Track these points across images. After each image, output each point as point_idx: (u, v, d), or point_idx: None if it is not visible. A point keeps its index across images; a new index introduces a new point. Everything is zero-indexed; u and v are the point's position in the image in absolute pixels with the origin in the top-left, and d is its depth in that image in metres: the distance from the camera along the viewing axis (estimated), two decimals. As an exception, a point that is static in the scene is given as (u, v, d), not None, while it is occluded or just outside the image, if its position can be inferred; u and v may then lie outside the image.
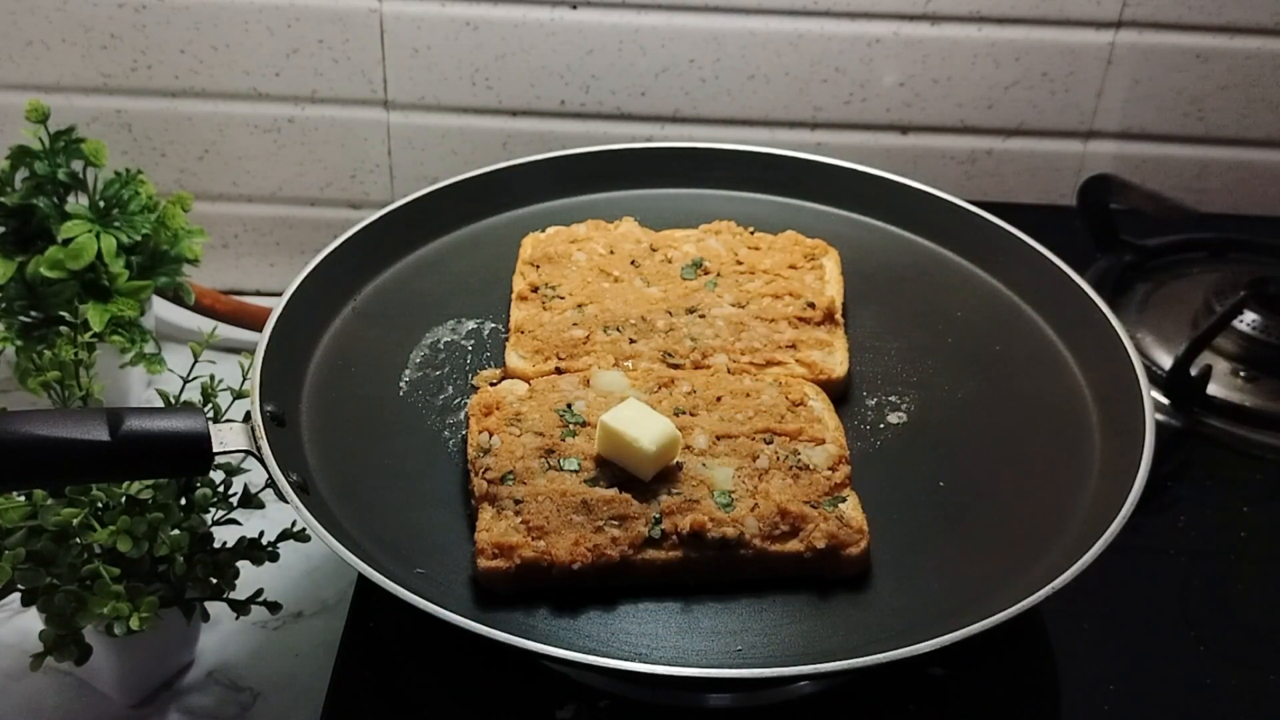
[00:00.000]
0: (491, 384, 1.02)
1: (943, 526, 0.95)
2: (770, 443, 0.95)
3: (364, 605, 1.00)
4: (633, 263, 1.14)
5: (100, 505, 0.95)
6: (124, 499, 0.96)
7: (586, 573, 0.87)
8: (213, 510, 1.02)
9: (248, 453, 0.89)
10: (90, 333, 1.13)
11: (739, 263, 1.14)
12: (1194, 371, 1.21)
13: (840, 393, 1.04)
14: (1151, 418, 0.97)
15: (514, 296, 1.11)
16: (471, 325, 1.11)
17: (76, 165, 1.22)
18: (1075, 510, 0.95)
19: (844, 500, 0.92)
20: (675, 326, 1.07)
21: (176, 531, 0.97)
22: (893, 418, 1.04)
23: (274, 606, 1.02)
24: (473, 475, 0.92)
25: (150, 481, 0.96)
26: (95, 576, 0.93)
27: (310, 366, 1.05)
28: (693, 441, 0.95)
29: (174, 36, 1.34)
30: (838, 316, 1.09)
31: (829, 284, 1.12)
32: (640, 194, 1.26)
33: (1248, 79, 1.40)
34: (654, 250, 1.15)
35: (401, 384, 1.05)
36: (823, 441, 0.96)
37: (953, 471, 0.99)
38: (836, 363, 1.05)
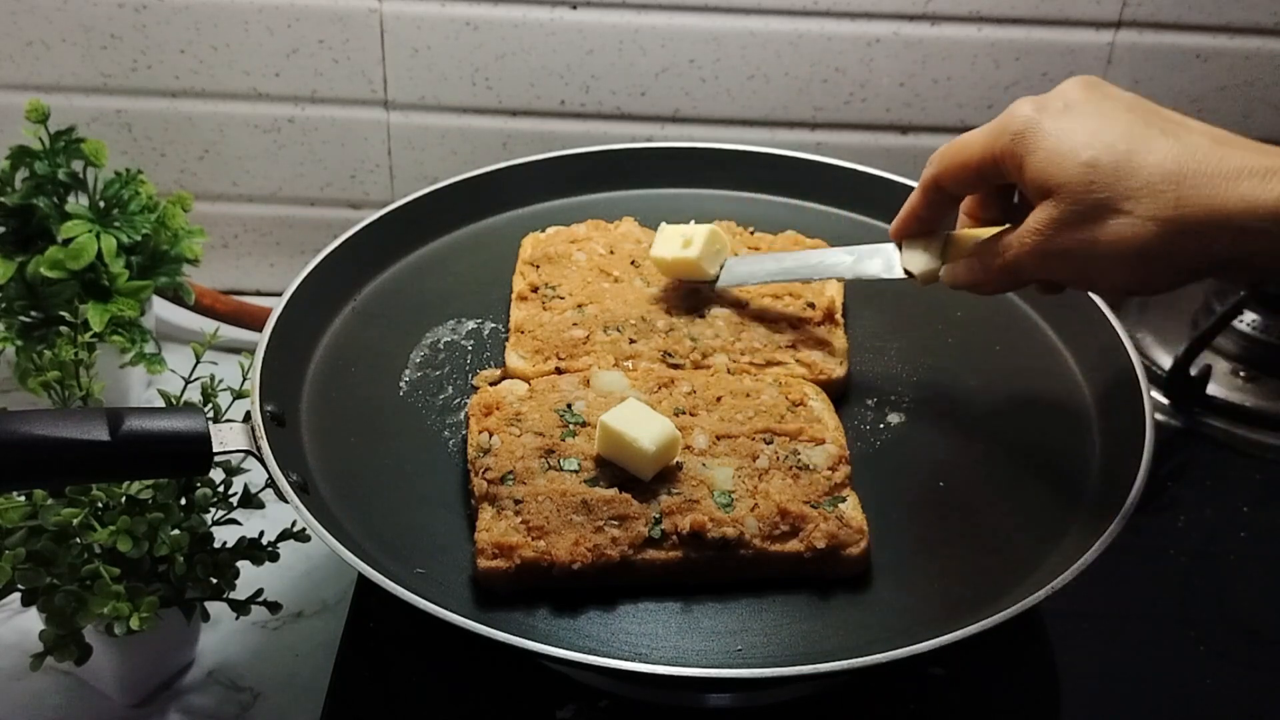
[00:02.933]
0: (491, 384, 1.02)
1: (943, 526, 0.95)
2: (770, 443, 0.95)
3: (364, 605, 1.00)
4: (633, 263, 1.14)
5: (100, 505, 0.95)
6: (124, 499, 0.96)
7: (586, 573, 0.87)
8: (213, 510, 1.02)
9: (248, 453, 0.89)
10: (90, 333, 1.13)
11: (739, 263, 1.14)
12: (1194, 371, 1.21)
13: (840, 393, 1.04)
14: (1151, 418, 0.97)
15: (514, 296, 1.11)
16: (471, 325, 1.11)
17: (76, 165, 1.22)
18: (1075, 510, 0.95)
19: (844, 500, 0.92)
20: (675, 326, 1.07)
21: (176, 531, 0.97)
22: (893, 418, 1.04)
23: (274, 606, 1.02)
24: (473, 475, 0.92)
25: (150, 481, 0.96)
26: (95, 576, 0.93)
27: (310, 366, 1.05)
28: (693, 441, 0.95)
29: (174, 36, 1.34)
30: (838, 316, 1.09)
31: (829, 284, 1.12)
32: (640, 194, 1.26)
33: (1248, 79, 1.40)
34: (654, 250, 1.15)
35: (401, 384, 1.05)
36: (823, 441, 0.96)
37: (953, 471, 0.99)
38: (836, 363, 1.05)
